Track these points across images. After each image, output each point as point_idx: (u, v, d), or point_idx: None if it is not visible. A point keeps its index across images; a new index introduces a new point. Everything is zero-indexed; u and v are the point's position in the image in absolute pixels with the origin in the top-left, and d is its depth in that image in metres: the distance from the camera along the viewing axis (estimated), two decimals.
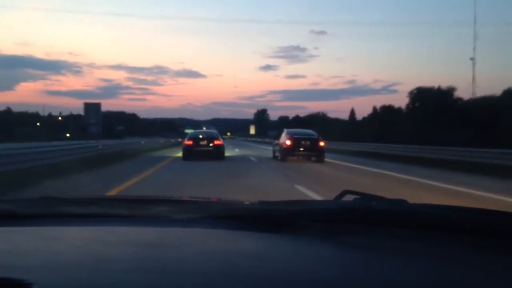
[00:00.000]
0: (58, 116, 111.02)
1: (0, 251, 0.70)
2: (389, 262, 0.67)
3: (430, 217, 0.79)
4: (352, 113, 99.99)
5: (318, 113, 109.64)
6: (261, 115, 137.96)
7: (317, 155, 15.98)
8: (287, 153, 16.03)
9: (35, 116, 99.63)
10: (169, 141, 45.29)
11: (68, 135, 44.34)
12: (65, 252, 0.70)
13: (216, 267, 0.63)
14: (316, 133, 17.36)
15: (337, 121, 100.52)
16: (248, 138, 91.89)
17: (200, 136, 17.03)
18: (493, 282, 0.60)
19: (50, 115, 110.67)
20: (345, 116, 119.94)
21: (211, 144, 16.44)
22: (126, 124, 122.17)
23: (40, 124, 77.74)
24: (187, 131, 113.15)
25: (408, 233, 0.78)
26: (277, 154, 17.39)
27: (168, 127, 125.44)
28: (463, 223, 0.76)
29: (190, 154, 16.05)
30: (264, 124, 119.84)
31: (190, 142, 16.51)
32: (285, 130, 17.49)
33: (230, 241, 0.78)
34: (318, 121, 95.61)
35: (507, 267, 0.66)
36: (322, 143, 16.15)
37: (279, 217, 0.87)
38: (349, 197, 0.91)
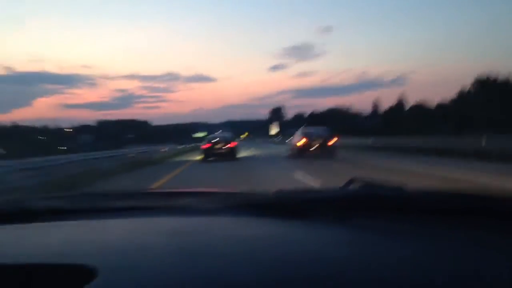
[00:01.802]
0: (65, 129, 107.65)
1: (60, 242, 0.78)
2: (393, 243, 0.73)
3: (429, 202, 0.85)
4: (375, 105, 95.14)
5: (337, 107, 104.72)
6: (277, 113, 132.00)
7: (330, 151, 16.51)
8: (301, 151, 16.63)
9: (42, 130, 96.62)
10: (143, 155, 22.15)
11: (65, 148, 40.41)
12: (114, 242, 0.78)
13: (238, 251, 0.70)
14: (328, 130, 17.77)
15: (357, 115, 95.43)
16: (270, 140, 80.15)
17: (216, 140, 19.24)
18: (493, 261, 0.65)
19: (58, 128, 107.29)
20: (359, 110, 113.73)
21: (225, 146, 18.72)
22: (137, 132, 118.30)
23: (45, 138, 73.90)
24: (196, 135, 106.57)
25: (410, 217, 0.84)
26: (291, 152, 18.06)
27: (180, 133, 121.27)
28: (460, 206, 0.82)
29: (209, 155, 18.57)
30: (281, 123, 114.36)
31: (209, 145, 18.88)
32: (299, 129, 18.38)
33: (250, 228, 0.85)
34: (339, 116, 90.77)
35: (506, 246, 0.70)
36: (333, 141, 16.84)
37: (294, 204, 0.94)
38: (355, 185, 0.99)
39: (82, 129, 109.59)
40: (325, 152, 16.55)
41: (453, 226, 0.78)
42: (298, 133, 17.86)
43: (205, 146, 19.03)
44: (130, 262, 0.66)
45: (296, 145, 17.15)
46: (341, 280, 0.57)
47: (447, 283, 0.56)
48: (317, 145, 16.73)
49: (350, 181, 1.00)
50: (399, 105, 78.86)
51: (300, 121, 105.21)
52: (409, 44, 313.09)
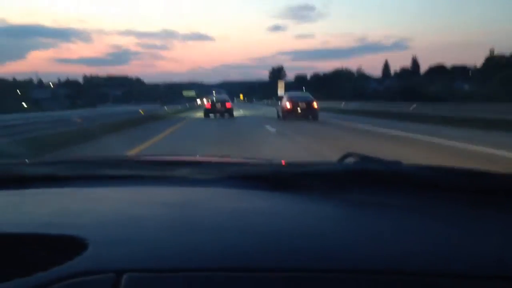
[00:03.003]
0: (50, 83, 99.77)
1: (51, 211, 0.76)
2: (386, 218, 0.73)
3: (422, 177, 0.86)
4: (386, 67, 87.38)
5: (342, 69, 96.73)
6: (277, 73, 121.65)
7: (312, 114, 19.21)
8: (287, 113, 19.41)
9: (25, 85, 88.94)
10: None
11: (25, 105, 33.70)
12: (107, 212, 0.77)
13: (232, 223, 0.69)
14: (311, 95, 20.57)
15: (367, 78, 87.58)
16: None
17: (216, 100, 24.94)
18: (484, 235, 0.65)
19: (40, 82, 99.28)
20: (366, 72, 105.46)
21: (224, 106, 24.13)
22: (127, 90, 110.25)
23: (21, 93, 66.61)
24: (186, 94, 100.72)
25: (403, 192, 0.84)
26: (279, 114, 20.79)
27: (172, 92, 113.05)
28: (452, 182, 0.83)
29: (210, 112, 24.10)
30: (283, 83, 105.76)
31: (209, 106, 24.69)
32: (286, 94, 21.69)
33: (244, 200, 0.85)
34: (345, 78, 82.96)
35: (498, 222, 0.71)
36: (315, 105, 19.51)
37: (289, 178, 0.94)
38: (351, 159, 0.99)
39: (66, 85, 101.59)
40: (309, 114, 19.13)
41: (450, 202, 0.79)
42: (285, 98, 20.49)
43: (207, 105, 25.02)
44: (122, 234, 0.64)
45: (284, 108, 19.61)
46: (333, 255, 0.57)
47: (440, 259, 0.56)
48: (302, 108, 19.19)
49: (346, 155, 0.99)
50: (414, 67, 71.59)
51: (302, 82, 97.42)
52: (409, 9, 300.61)
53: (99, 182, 1.00)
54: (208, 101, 25.70)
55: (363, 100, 36.05)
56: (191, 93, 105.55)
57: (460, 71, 65.23)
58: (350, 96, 45.00)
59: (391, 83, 67.02)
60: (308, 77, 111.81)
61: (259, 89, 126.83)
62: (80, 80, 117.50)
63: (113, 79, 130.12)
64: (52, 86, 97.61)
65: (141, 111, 23.98)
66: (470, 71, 65.90)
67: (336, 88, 71.09)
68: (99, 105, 52.32)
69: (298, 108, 19.11)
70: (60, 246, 0.60)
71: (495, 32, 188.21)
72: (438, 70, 63.56)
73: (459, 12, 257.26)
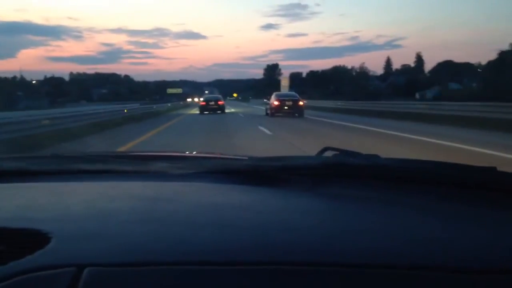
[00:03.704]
0: (33, 81, 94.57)
1: (17, 205, 0.74)
2: (364, 210, 0.73)
3: (399, 170, 0.87)
4: (388, 64, 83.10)
5: (340, 66, 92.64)
6: (272, 71, 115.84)
7: (298, 112, 20.84)
8: (275, 111, 21.04)
9: (7, 82, 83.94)
10: None
11: None
12: (76, 206, 0.75)
13: (208, 218, 0.67)
14: (297, 95, 22.53)
15: (368, 76, 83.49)
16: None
17: (209, 99, 28.63)
18: (460, 227, 0.65)
19: (22, 79, 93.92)
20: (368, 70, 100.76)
21: (216, 104, 27.31)
22: (114, 87, 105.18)
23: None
24: (170, 91, 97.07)
25: (381, 185, 0.84)
26: (268, 111, 22.55)
27: (163, 89, 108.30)
28: (427, 174, 0.83)
29: (204, 109, 26.82)
30: (276, 82, 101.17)
31: (204, 103, 27.81)
32: (274, 93, 23.02)
33: (221, 194, 0.83)
34: (345, 76, 78.87)
35: (473, 213, 0.72)
36: (301, 103, 21.39)
37: (267, 172, 0.93)
38: (329, 153, 0.98)
39: (50, 82, 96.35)
40: (295, 112, 20.92)
41: (425, 195, 0.79)
42: (273, 96, 22.14)
43: (202, 103, 28.31)
44: (90, 228, 0.62)
45: (272, 105, 21.40)
46: (311, 248, 0.56)
47: (416, 251, 0.55)
48: (288, 106, 20.95)
49: (324, 149, 0.99)
50: (419, 64, 67.59)
51: (297, 80, 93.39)
52: (402, 8, 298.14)
53: (71, 176, 0.97)
54: (202, 100, 29.15)
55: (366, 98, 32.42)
56: (177, 90, 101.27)
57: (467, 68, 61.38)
58: (363, 96, 40.68)
59: (400, 81, 62.75)
60: (304, 74, 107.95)
61: (253, 87, 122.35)
62: (66, 77, 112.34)
63: (100, 76, 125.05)
64: (33, 83, 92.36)
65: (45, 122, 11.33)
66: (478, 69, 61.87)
67: (335, 86, 67.03)
68: (68, 104, 47.84)
69: (285, 106, 20.87)
70: (22, 241, 0.58)
71: (491, 31, 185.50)
72: (446, 66, 59.59)
73: (450, 11, 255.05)
